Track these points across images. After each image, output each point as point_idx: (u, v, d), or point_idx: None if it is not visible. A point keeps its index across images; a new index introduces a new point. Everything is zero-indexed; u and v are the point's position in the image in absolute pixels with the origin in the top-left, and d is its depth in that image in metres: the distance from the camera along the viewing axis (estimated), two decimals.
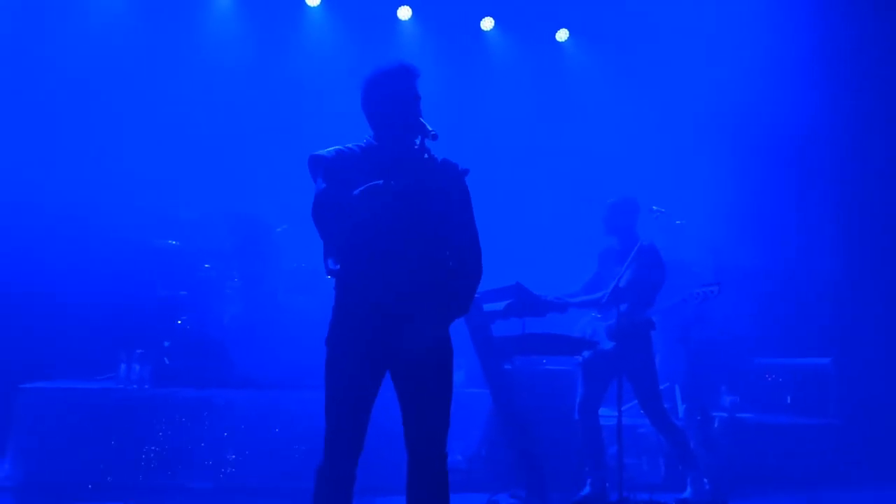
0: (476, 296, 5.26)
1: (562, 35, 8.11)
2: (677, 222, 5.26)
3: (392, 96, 2.99)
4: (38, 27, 6.81)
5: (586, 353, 5.04)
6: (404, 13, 7.78)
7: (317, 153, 2.98)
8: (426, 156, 2.98)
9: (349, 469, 2.89)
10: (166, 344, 6.12)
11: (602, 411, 5.14)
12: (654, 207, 5.00)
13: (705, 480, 5.02)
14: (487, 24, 7.99)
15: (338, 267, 2.96)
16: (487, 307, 4.94)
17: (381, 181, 2.83)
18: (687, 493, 4.96)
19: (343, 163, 2.95)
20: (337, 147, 3.01)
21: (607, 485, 4.95)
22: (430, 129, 2.88)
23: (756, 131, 7.06)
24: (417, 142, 2.94)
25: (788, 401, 6.80)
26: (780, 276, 6.84)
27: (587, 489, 4.96)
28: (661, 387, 5.65)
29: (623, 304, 4.86)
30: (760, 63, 7.04)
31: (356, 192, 2.80)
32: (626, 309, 4.90)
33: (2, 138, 6.47)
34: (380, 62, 3.08)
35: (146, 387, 5.51)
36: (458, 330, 3.56)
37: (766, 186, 7.06)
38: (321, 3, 7.62)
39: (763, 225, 7.10)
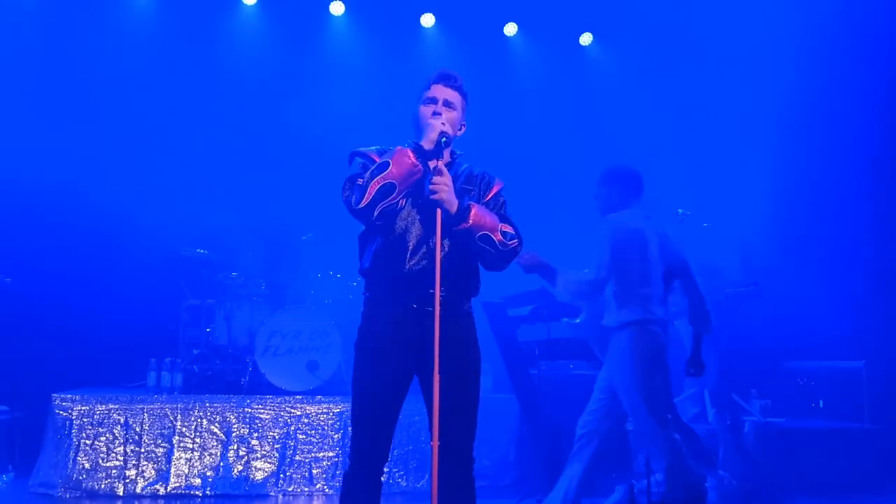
0: (501, 301, 5.31)
1: (585, 39, 8.09)
2: (704, 225, 5.22)
3: (421, 101, 3.05)
4: (67, 42, 6.94)
5: None
6: (428, 20, 7.80)
7: (359, 149, 3.04)
8: (451, 159, 3.01)
9: (377, 473, 2.90)
10: (195, 351, 6.20)
11: None
12: (681, 211, 4.96)
13: (722, 473, 4.95)
14: (511, 29, 7.99)
15: (368, 266, 2.98)
16: (513, 312, 4.94)
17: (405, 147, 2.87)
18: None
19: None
20: (380, 147, 3.05)
21: (636, 491, 4.91)
22: (444, 137, 2.90)
23: (783, 133, 6.97)
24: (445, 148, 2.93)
25: (820, 405, 6.70)
26: (811, 278, 6.73)
27: (616, 495, 4.93)
28: (691, 391, 5.61)
29: None
30: (790, 62, 6.95)
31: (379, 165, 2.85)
32: None
33: (32, 151, 6.58)
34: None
35: (176, 394, 5.58)
36: (485, 335, 3.58)
37: (795, 188, 6.96)
38: (345, 12, 7.67)
39: (793, 226, 7.00)
